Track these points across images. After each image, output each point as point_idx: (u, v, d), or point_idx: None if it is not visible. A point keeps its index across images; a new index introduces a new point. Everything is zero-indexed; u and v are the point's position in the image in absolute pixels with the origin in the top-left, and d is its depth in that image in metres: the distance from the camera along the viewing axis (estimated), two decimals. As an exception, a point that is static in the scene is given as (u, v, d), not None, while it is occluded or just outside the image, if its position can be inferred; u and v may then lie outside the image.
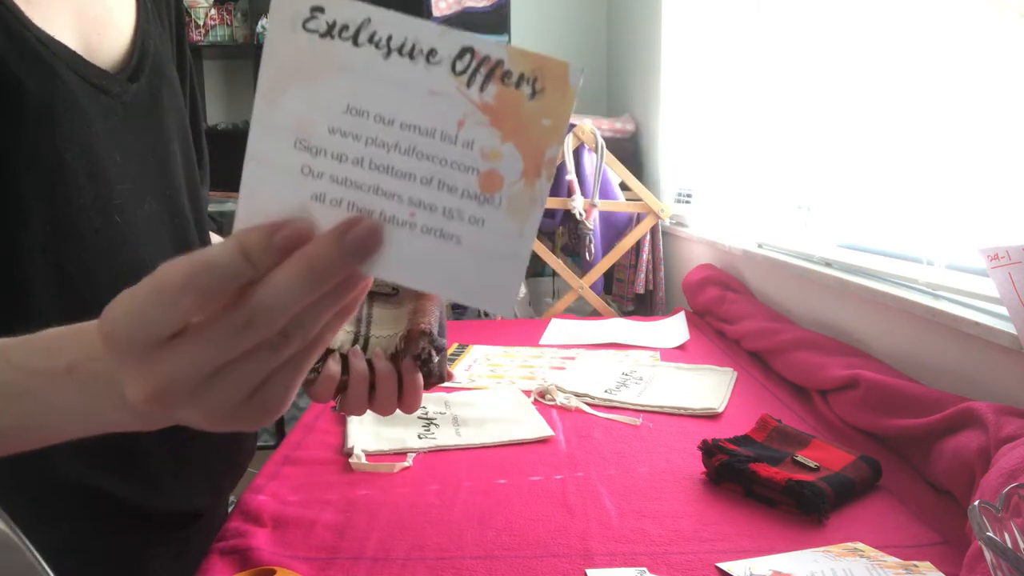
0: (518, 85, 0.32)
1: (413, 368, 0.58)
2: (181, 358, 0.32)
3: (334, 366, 0.57)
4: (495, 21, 3.20)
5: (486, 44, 0.31)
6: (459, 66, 0.32)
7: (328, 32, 0.31)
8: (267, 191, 0.33)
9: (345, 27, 0.31)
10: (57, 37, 0.63)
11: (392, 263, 0.33)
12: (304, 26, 0.31)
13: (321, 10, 0.31)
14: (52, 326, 0.49)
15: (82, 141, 0.64)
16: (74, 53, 0.64)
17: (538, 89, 0.32)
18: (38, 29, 0.61)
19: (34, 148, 0.61)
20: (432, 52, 0.31)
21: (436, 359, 0.60)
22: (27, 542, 0.37)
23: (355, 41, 0.31)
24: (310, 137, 0.32)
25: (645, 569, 0.73)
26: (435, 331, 0.61)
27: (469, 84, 0.32)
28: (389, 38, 0.31)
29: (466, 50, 0.31)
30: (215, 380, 0.33)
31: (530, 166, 0.33)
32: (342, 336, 0.60)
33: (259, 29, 3.27)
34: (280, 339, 0.33)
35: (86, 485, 0.66)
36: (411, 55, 0.31)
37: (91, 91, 0.65)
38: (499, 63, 0.32)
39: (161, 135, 0.73)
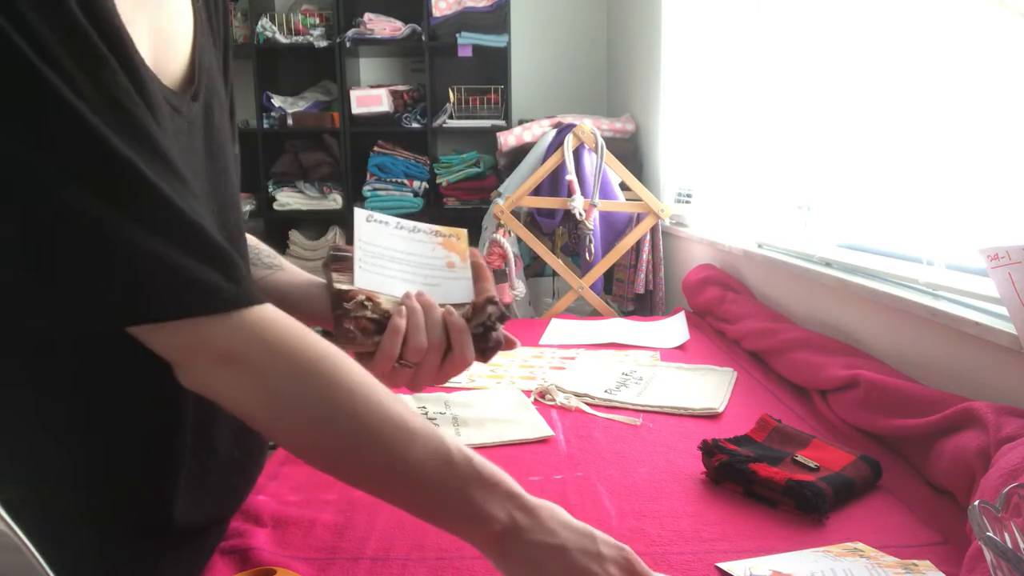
0: (449, 237, 0.81)
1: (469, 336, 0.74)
2: None
3: (399, 319, 0.71)
4: (495, 21, 3.19)
5: (436, 226, 0.82)
6: (428, 231, 0.81)
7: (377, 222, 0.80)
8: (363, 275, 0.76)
9: (386, 222, 0.79)
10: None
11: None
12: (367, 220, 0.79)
13: (373, 215, 0.80)
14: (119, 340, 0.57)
15: None
16: (157, 77, 0.63)
17: (458, 237, 0.82)
18: (139, 52, 0.60)
19: None
20: (417, 228, 0.81)
21: (499, 327, 0.75)
22: (27, 543, 0.37)
23: (393, 226, 0.80)
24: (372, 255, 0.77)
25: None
26: (499, 302, 0.76)
27: (435, 235, 0.81)
28: (403, 226, 0.80)
29: (432, 228, 0.82)
30: None
31: (463, 257, 0.81)
32: (391, 305, 0.72)
33: (259, 29, 3.26)
34: None
35: (98, 502, 0.66)
36: (412, 230, 0.81)
37: (171, 113, 0.65)
38: (439, 230, 0.81)
39: (212, 152, 0.72)
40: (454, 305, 0.75)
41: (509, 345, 0.77)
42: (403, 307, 0.71)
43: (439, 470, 0.60)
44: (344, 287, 0.72)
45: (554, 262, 2.49)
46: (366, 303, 0.71)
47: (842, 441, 1.06)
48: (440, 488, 0.60)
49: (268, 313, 0.60)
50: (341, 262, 0.76)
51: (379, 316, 0.71)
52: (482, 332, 0.74)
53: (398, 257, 0.78)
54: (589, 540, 0.61)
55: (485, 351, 0.74)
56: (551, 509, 0.62)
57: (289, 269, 0.88)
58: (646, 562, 0.75)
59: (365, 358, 0.72)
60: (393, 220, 0.79)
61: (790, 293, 1.70)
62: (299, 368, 0.59)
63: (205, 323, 0.56)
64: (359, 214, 0.77)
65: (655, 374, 1.40)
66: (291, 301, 0.83)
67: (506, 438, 1.09)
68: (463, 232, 0.81)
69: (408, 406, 0.62)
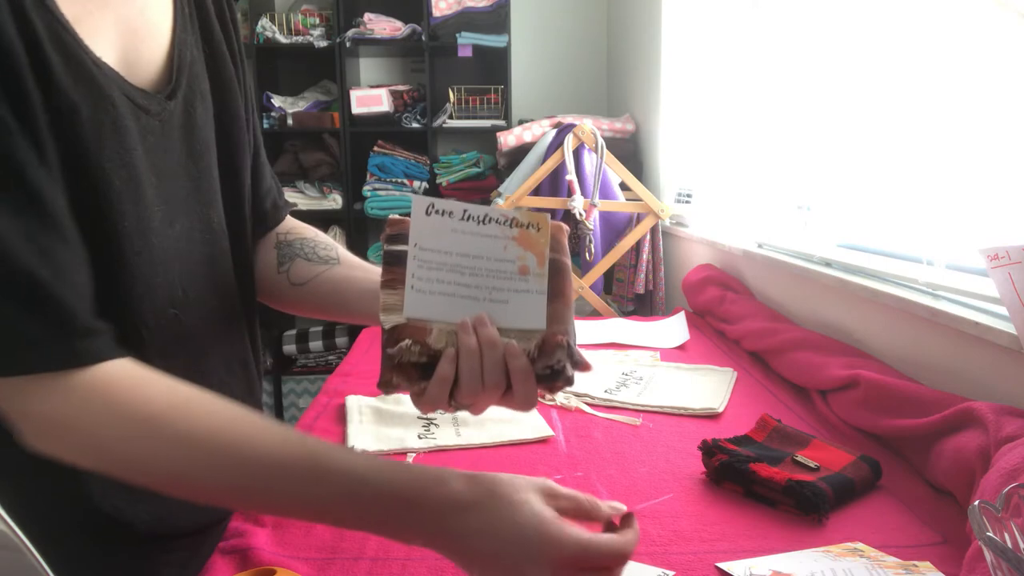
0: (527, 228, 0.65)
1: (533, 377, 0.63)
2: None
3: (447, 366, 0.62)
4: (495, 21, 3.19)
5: (515, 211, 0.64)
6: (503, 221, 0.64)
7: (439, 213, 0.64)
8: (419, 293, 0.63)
9: (450, 212, 0.64)
10: (100, 54, 0.60)
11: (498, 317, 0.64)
12: (427, 213, 0.63)
13: (435, 204, 0.64)
14: None
15: (128, 164, 0.62)
16: (120, 76, 0.62)
17: (537, 228, 0.65)
18: (91, 51, 0.59)
19: (85, 173, 0.59)
20: (488, 217, 0.64)
21: (569, 372, 0.63)
22: (27, 543, 0.37)
23: (459, 217, 0.64)
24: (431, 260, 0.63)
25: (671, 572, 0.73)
26: (573, 341, 0.64)
27: (511, 227, 0.64)
28: (471, 215, 0.64)
29: (507, 216, 0.64)
30: None
31: (540, 260, 0.65)
32: (444, 338, 0.63)
33: (259, 29, 3.26)
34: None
35: (97, 509, 0.66)
36: (481, 221, 0.64)
37: (135, 111, 0.63)
38: (517, 219, 0.64)
39: (193, 151, 0.71)
40: (522, 332, 0.64)
41: (583, 369, 0.65)
42: (452, 351, 0.62)
43: (338, 503, 0.56)
44: (391, 321, 0.63)
45: (554, 262, 2.49)
46: (412, 347, 0.62)
47: (842, 441, 1.06)
48: (347, 519, 0.57)
49: (107, 372, 0.54)
50: (395, 268, 0.64)
51: (427, 359, 0.63)
52: (548, 374, 0.64)
53: (461, 264, 0.64)
54: (520, 548, 0.54)
55: (552, 388, 0.65)
56: (487, 508, 0.55)
57: (346, 262, 0.84)
58: (645, 562, 0.75)
59: (415, 395, 0.64)
60: (459, 209, 0.64)
61: (790, 293, 1.70)
62: (143, 431, 0.54)
63: (26, 384, 0.51)
64: (418, 203, 0.63)
65: (655, 374, 1.40)
66: (346, 300, 0.80)
67: (506, 438, 1.08)
68: (545, 220, 0.65)
69: (290, 435, 0.57)
